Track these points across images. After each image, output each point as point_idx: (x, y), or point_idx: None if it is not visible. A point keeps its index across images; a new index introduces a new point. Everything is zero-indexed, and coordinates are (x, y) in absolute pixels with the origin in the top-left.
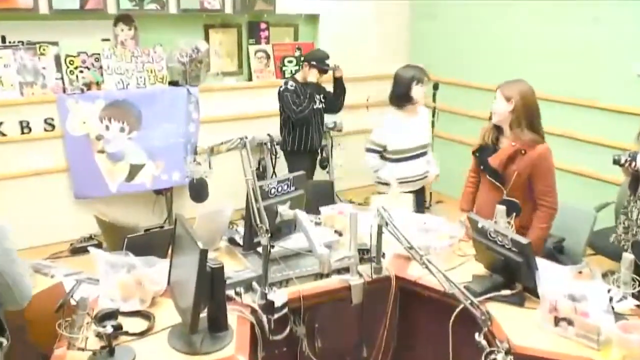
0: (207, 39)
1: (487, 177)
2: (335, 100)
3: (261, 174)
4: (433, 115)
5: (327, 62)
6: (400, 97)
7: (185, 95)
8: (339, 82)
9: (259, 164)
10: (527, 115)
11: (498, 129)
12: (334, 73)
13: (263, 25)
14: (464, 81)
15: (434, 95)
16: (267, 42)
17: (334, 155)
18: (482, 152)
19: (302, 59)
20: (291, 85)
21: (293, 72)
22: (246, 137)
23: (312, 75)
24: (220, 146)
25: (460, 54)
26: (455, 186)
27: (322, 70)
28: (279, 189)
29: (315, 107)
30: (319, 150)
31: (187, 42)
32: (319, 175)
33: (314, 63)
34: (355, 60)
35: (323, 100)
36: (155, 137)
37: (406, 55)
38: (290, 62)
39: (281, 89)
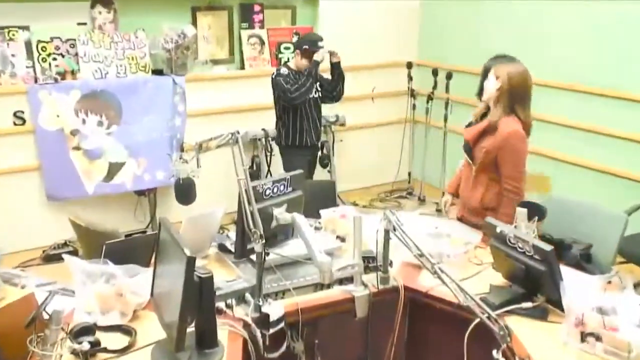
0: (194, 23)
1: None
2: (333, 89)
3: (255, 173)
4: (446, 108)
5: (321, 44)
6: None
7: (170, 85)
8: (336, 68)
9: (253, 162)
10: (510, 96)
11: (488, 108)
12: (330, 58)
13: (257, 8)
14: (480, 69)
15: (447, 85)
16: (262, 27)
17: (336, 152)
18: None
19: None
20: (284, 71)
21: (290, 60)
22: (238, 132)
23: (306, 63)
24: (209, 142)
25: (475, 38)
26: None
27: (313, 52)
28: (275, 189)
29: (311, 96)
30: (320, 147)
31: (173, 26)
32: (320, 174)
33: (306, 47)
34: (359, 47)
35: (320, 89)
36: (137, 132)
37: (415, 42)
38: (287, 48)
39: (273, 75)
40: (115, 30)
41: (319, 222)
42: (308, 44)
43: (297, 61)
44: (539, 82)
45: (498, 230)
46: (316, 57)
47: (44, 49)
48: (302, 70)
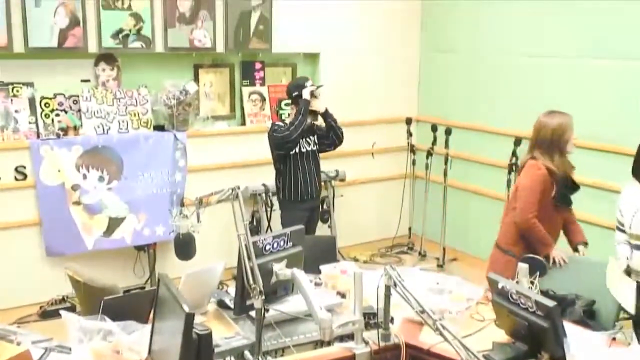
0: (196, 79)
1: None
2: (327, 132)
3: (255, 229)
4: (445, 163)
5: (307, 83)
6: None
7: (171, 141)
8: (324, 116)
9: (253, 217)
10: (537, 143)
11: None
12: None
13: (258, 65)
14: (479, 125)
15: (447, 140)
16: (262, 84)
17: (336, 207)
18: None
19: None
20: (279, 124)
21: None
22: (238, 188)
23: None
24: (209, 197)
25: (475, 94)
26: (471, 241)
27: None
28: (275, 245)
29: (308, 148)
30: (320, 202)
31: (175, 83)
32: (320, 229)
33: (296, 94)
34: (360, 103)
35: (317, 142)
36: (138, 187)
37: (414, 97)
38: (287, 104)
39: (269, 131)
40: (118, 87)
41: (319, 278)
42: (296, 90)
43: (292, 112)
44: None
45: (500, 286)
46: (304, 95)
47: (47, 105)
48: None
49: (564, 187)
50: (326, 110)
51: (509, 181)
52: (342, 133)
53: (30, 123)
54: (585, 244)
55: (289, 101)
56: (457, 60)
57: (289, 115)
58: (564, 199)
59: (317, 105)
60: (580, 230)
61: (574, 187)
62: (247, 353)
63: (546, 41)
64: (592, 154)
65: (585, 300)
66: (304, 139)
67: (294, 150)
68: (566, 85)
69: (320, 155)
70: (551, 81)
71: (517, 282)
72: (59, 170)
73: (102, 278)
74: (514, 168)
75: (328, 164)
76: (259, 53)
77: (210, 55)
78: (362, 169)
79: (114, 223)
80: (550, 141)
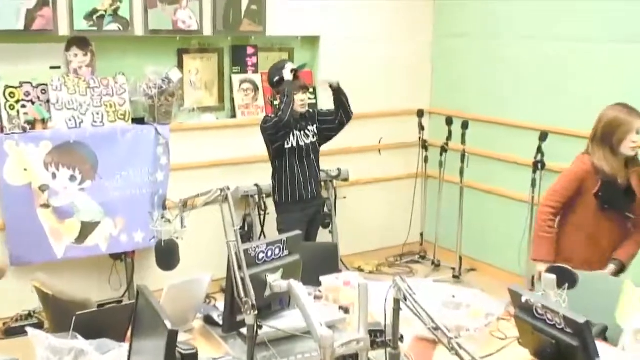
0: (180, 66)
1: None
2: (336, 111)
3: (247, 235)
4: (462, 161)
5: (287, 65)
6: None
7: (152, 135)
8: (337, 92)
9: (244, 222)
10: (594, 137)
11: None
12: (331, 86)
13: (250, 50)
14: (500, 118)
15: (463, 136)
16: (255, 71)
17: (338, 210)
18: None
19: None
20: (271, 116)
21: None
22: (228, 188)
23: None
24: (195, 199)
25: (496, 83)
26: (491, 249)
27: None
28: (269, 253)
29: (307, 141)
30: (321, 205)
31: (156, 70)
32: (320, 236)
33: (277, 78)
34: (365, 93)
35: (316, 133)
36: (114, 187)
37: (427, 87)
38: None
39: (261, 124)
40: (92, 75)
41: (319, 291)
42: (277, 74)
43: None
44: (560, 131)
45: (524, 299)
46: (286, 76)
47: (12, 95)
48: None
49: (612, 190)
50: (339, 86)
51: (533, 181)
52: (352, 112)
53: None
54: (622, 266)
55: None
56: (474, 45)
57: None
58: (609, 202)
59: (330, 79)
60: (630, 250)
61: (628, 193)
62: None
63: (575, 23)
64: None
65: (599, 327)
66: (301, 131)
67: (290, 144)
68: (599, 73)
69: (321, 150)
70: (582, 68)
71: (542, 295)
72: (25, 169)
73: (74, 290)
74: (539, 166)
75: (329, 161)
76: (252, 36)
77: (196, 39)
78: (368, 168)
79: (87, 228)
80: (601, 136)
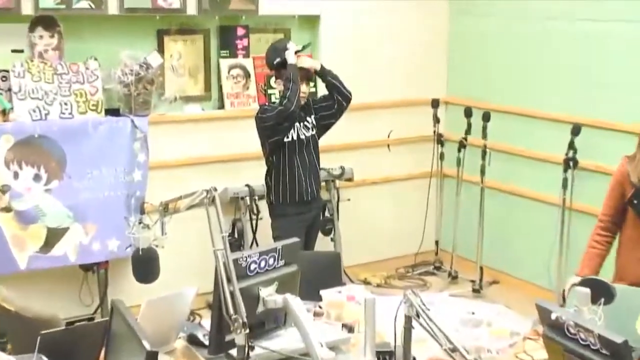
0: (161, 50)
1: None
2: (330, 95)
3: (237, 242)
4: (483, 157)
5: (289, 45)
6: None
7: (128, 129)
8: (322, 74)
9: (234, 228)
10: None
11: None
12: (315, 72)
13: (240, 32)
14: (527, 108)
15: (484, 129)
16: (246, 55)
17: (341, 215)
18: None
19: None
20: (267, 106)
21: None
22: (215, 189)
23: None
24: (178, 202)
25: (521, 68)
26: (516, 258)
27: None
28: (263, 264)
29: (307, 134)
30: (321, 207)
31: (133, 54)
32: (321, 244)
33: (278, 60)
34: (371, 80)
35: (316, 122)
36: (85, 188)
37: (443, 73)
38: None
39: (257, 114)
40: (60, 60)
41: (320, 307)
42: (277, 56)
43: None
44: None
45: (554, 316)
46: (289, 59)
47: None
48: None
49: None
50: (322, 68)
51: (564, 181)
52: (349, 92)
53: None
54: None
55: (274, 75)
56: (497, 25)
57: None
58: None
59: (309, 63)
60: None
61: None
62: None
63: (612, 1)
64: None
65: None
66: (301, 123)
67: (290, 137)
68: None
69: (321, 145)
70: (623, 52)
71: (575, 312)
72: None
73: (39, 306)
74: (571, 164)
75: (330, 158)
76: (242, 16)
77: (178, 19)
78: (375, 166)
79: (53, 235)
80: None
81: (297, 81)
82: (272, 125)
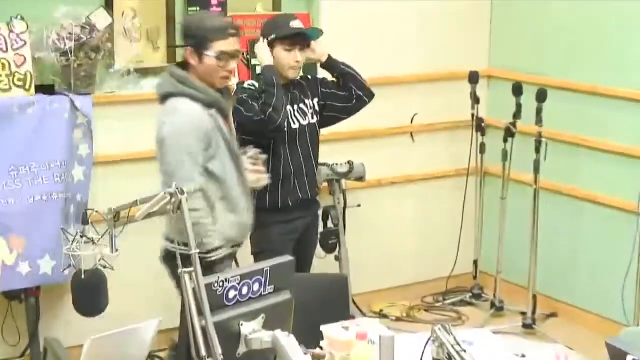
0: (109, 6)
1: None
2: (343, 88)
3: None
4: (537, 150)
5: (295, 24)
6: None
7: (67, 111)
8: (330, 68)
9: None
10: None
11: None
12: (321, 65)
13: None
14: (595, 85)
15: (539, 112)
16: (224, 12)
17: (349, 225)
18: None
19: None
20: (250, 85)
21: None
22: (182, 192)
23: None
24: (132, 208)
25: (586, 33)
26: (581, 284)
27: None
28: (245, 290)
29: (303, 122)
30: (316, 216)
31: (72, 12)
32: (323, 264)
33: (273, 37)
34: (388, 50)
35: (318, 109)
36: (9, 191)
37: (484, 39)
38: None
39: (238, 104)
40: None
41: (321, 347)
42: (274, 33)
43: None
44: None
45: (629, 359)
46: (264, 60)
47: None
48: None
49: None
50: (329, 58)
51: None
52: (369, 89)
53: None
54: None
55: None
56: None
57: None
58: None
59: (316, 54)
60: None
61: None
62: None
63: None
64: None
65: None
66: (294, 106)
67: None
68: None
69: (324, 133)
70: None
71: None
72: None
73: None
74: None
75: (335, 150)
76: None
77: None
78: (394, 161)
79: None
80: None
81: (279, 86)
82: (253, 132)
